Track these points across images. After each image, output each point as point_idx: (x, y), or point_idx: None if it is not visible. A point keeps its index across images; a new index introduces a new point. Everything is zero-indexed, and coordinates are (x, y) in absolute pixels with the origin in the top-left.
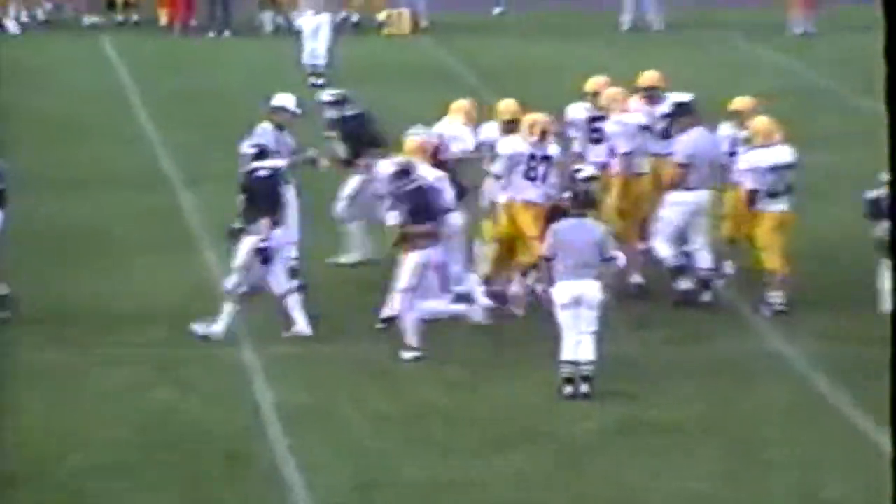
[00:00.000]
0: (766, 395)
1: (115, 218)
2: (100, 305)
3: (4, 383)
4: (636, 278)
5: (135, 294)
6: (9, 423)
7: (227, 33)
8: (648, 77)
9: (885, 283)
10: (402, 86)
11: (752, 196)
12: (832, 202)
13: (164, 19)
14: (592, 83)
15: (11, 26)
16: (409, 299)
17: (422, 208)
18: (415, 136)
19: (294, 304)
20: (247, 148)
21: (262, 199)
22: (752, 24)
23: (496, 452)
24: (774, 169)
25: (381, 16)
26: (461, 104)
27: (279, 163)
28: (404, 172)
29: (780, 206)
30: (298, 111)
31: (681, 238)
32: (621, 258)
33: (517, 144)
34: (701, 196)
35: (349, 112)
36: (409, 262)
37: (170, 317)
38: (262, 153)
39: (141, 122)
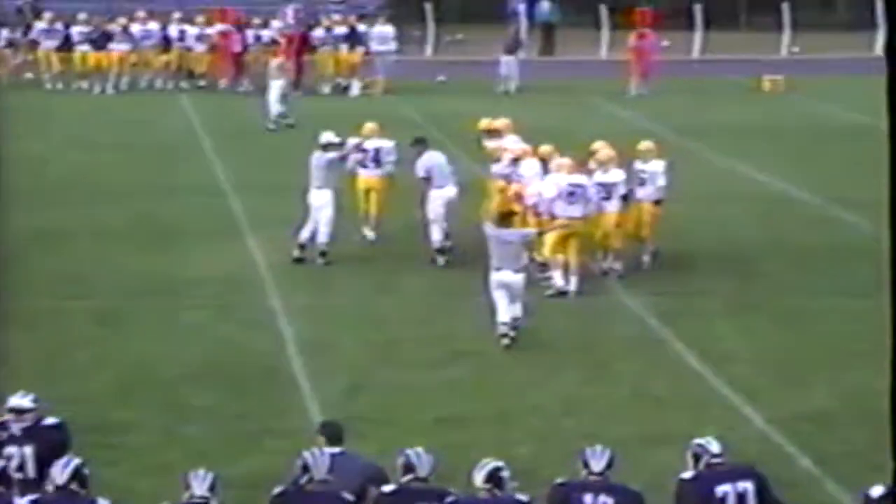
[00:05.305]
0: (613, 329)
1: (186, 214)
2: (179, 273)
3: (119, 320)
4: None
5: (199, 265)
6: (121, 344)
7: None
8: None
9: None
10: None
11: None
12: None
13: (223, 83)
14: (486, 123)
15: (109, 88)
16: None
17: None
18: None
19: None
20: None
21: None
22: (605, 89)
23: (442, 367)
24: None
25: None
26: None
27: None
28: None
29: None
30: (339, 141)
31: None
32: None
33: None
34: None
35: None
36: None
37: (224, 280)
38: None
39: (206, 150)
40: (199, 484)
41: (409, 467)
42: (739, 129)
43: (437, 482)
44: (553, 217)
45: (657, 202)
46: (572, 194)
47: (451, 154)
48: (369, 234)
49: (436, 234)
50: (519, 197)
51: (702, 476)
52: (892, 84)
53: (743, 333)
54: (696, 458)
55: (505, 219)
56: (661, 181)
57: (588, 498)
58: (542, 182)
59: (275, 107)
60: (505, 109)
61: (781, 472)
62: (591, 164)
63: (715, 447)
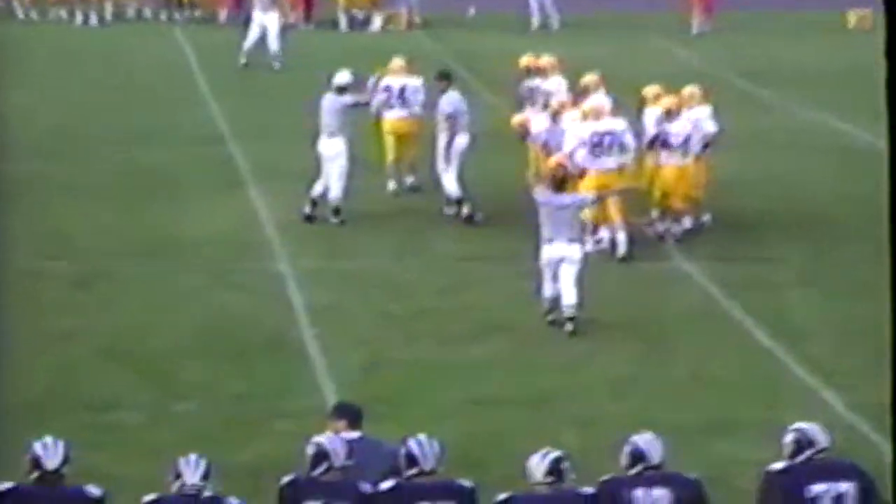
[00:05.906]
0: (670, 301)
1: (180, 164)
2: (172, 232)
3: (103, 285)
4: None
5: (196, 223)
6: (106, 311)
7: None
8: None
9: None
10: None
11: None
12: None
13: (222, 15)
14: (529, 60)
15: (93, 18)
16: None
17: None
18: None
19: None
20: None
21: None
22: (663, 25)
23: (473, 342)
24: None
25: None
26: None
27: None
28: None
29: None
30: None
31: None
32: None
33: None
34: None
35: None
36: None
37: (224, 240)
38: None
39: (203, 91)
40: (191, 471)
41: (411, 460)
42: (818, 73)
43: (464, 472)
44: (582, 172)
45: (705, 146)
46: (598, 145)
47: (484, 99)
48: (393, 185)
49: (453, 185)
50: (562, 164)
51: (794, 469)
52: (892, 83)
53: (819, 306)
54: (798, 446)
55: (561, 184)
56: (710, 127)
57: (640, 492)
58: (566, 136)
59: (274, 42)
60: (546, 47)
61: (867, 464)
62: (648, 112)
63: (823, 438)
